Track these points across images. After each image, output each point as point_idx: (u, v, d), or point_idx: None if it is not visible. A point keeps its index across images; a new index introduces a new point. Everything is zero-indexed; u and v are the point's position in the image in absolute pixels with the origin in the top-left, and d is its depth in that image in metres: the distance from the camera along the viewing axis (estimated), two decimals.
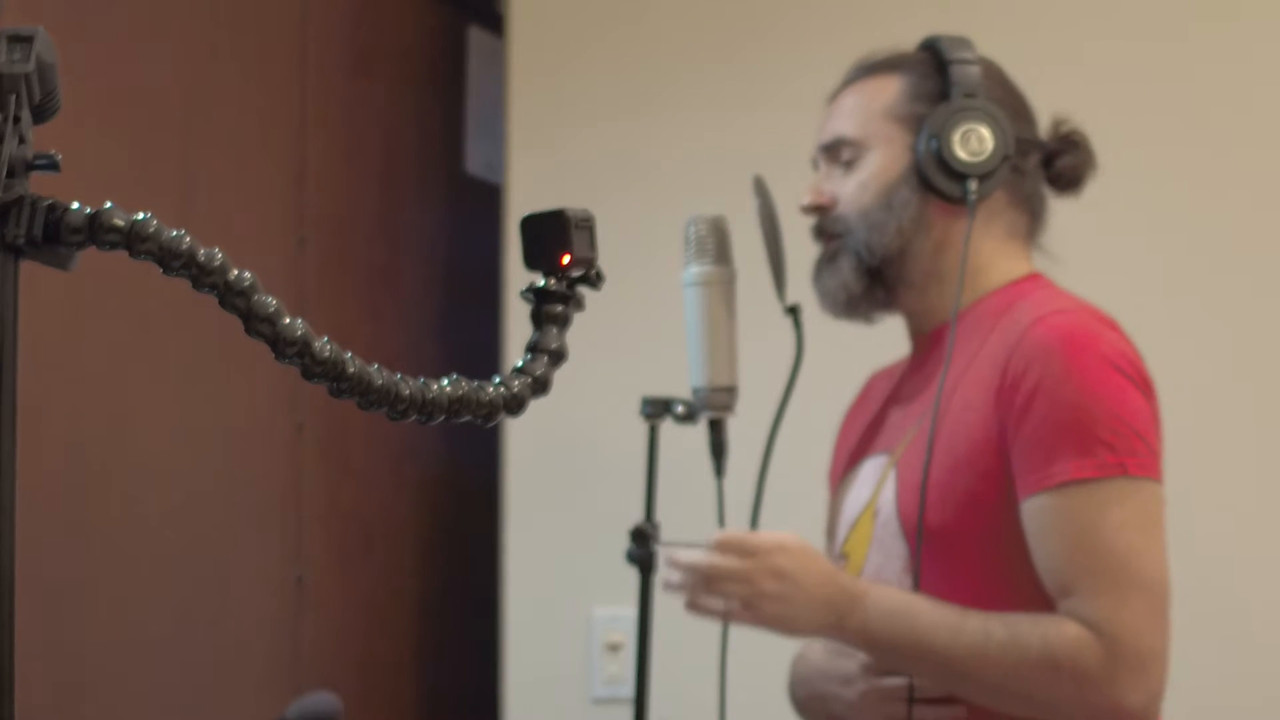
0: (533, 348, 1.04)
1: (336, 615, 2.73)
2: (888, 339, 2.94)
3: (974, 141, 1.91)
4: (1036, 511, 1.80)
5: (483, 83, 3.16)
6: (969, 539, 1.85)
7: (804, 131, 2.92)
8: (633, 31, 3.01)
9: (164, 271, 0.89)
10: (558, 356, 1.05)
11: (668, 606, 1.99)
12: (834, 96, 2.06)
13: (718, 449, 1.90)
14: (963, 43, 1.99)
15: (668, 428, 1.98)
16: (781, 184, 1.98)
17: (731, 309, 1.88)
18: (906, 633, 1.81)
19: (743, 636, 2.00)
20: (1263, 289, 2.81)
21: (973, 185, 1.91)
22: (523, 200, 2.93)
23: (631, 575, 1.95)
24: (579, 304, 1.06)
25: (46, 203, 0.88)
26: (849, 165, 1.98)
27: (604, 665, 2.90)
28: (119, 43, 2.23)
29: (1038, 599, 1.82)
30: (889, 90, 1.98)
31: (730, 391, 1.88)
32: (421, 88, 3.08)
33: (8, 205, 0.87)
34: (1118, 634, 1.76)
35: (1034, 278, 1.98)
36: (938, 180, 1.92)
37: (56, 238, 0.88)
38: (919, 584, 1.85)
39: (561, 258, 1.04)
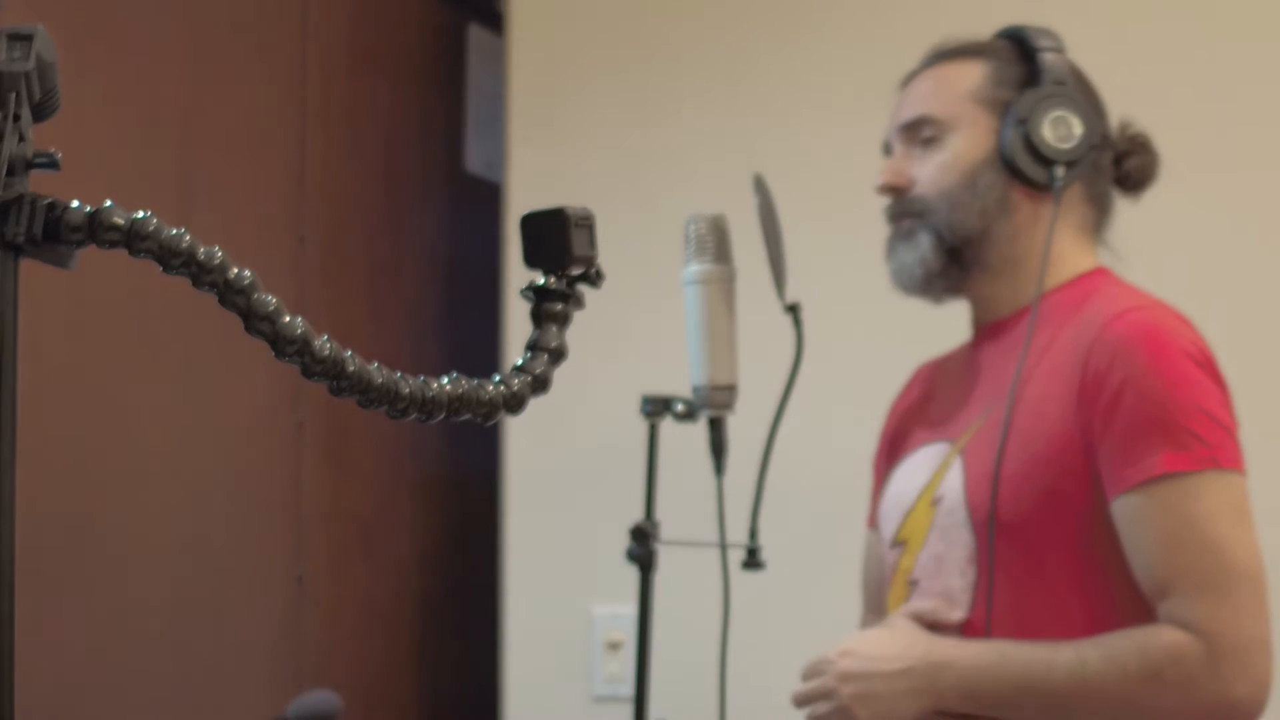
0: (532, 346, 1.04)
1: (337, 613, 2.73)
2: (887, 338, 2.94)
3: (1063, 129, 1.92)
4: (1130, 508, 1.80)
5: (483, 81, 3.16)
6: (1053, 536, 1.85)
7: (805, 130, 2.93)
8: (633, 30, 3.01)
9: (164, 270, 0.89)
10: (558, 355, 1.05)
11: (668, 605, 1.99)
12: (908, 81, 2.05)
13: (718, 447, 1.90)
14: (1049, 33, 2.00)
15: (668, 426, 1.98)
16: (781, 182, 1.98)
17: (731, 307, 1.88)
18: (1002, 681, 1.81)
19: (743, 635, 2.00)
20: None
21: (1059, 172, 1.92)
22: (522, 198, 2.93)
23: (632, 573, 1.95)
24: (579, 302, 1.06)
25: (46, 201, 0.88)
26: (927, 145, 1.98)
27: (604, 663, 2.91)
28: (119, 40, 2.23)
29: (1134, 597, 1.82)
30: (972, 74, 1.98)
31: (730, 390, 1.88)
32: (421, 86, 3.08)
33: (8, 203, 0.87)
34: (1218, 630, 1.76)
35: (1101, 272, 1.99)
36: (1024, 164, 1.93)
37: (56, 236, 0.88)
38: (990, 575, 1.85)
39: (561, 257, 1.04)
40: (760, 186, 1.94)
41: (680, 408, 1.95)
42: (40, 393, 2.01)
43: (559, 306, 1.05)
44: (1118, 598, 1.83)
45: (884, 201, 2.88)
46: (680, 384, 1.94)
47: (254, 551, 2.53)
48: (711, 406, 1.89)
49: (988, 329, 2.02)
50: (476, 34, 3.18)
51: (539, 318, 1.05)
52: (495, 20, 3.12)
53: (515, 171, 2.96)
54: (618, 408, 2.42)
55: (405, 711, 2.95)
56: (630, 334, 2.86)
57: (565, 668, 2.91)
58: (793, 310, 1.93)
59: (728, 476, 1.90)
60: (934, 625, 1.90)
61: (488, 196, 3.08)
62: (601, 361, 2.83)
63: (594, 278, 1.06)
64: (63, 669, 2.07)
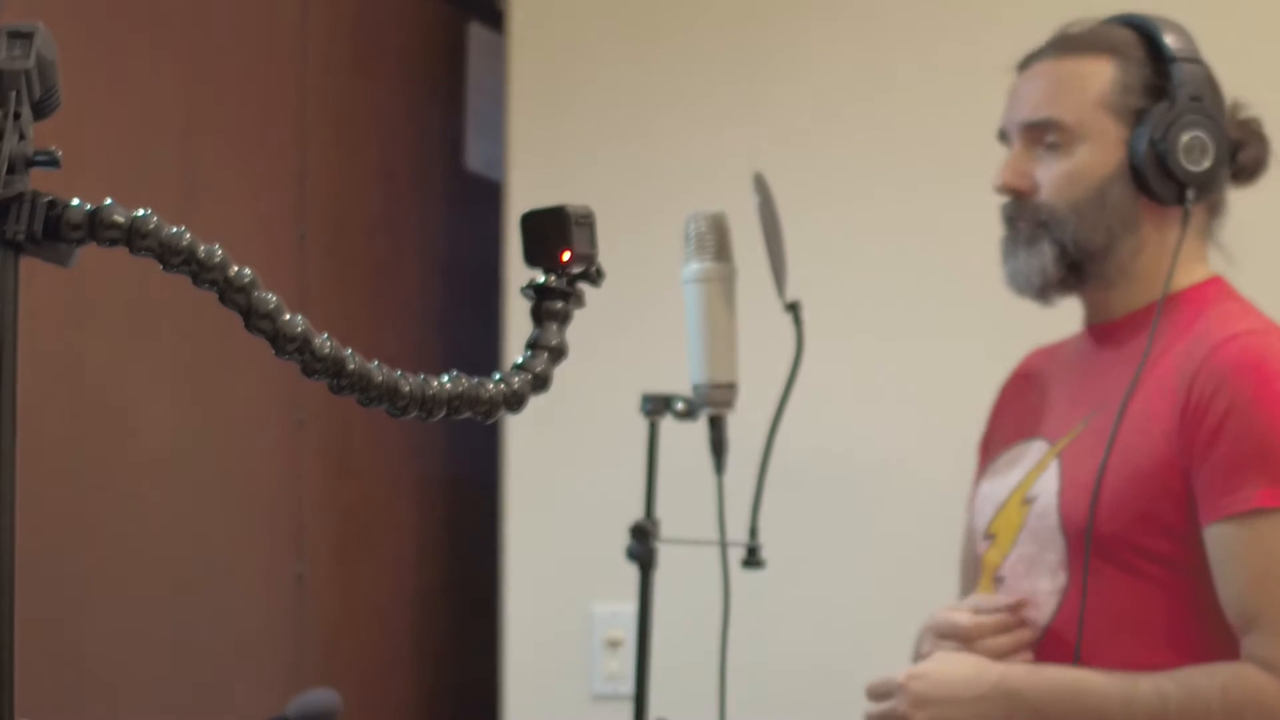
0: (533, 344, 1.04)
1: (337, 612, 2.73)
2: (888, 336, 2.93)
3: (1197, 150, 1.88)
4: (1221, 538, 1.78)
5: (483, 79, 3.16)
6: (1145, 552, 1.83)
7: (805, 128, 2.93)
8: (633, 28, 3.01)
9: (164, 268, 0.89)
10: (558, 353, 1.05)
11: (667, 603, 1.99)
12: (1029, 64, 1.98)
13: (718, 445, 1.90)
14: (1181, 32, 1.93)
15: (668, 424, 1.98)
16: (781, 180, 1.98)
17: (732, 306, 1.88)
18: (1078, 712, 1.79)
19: (743, 633, 2.00)
20: None
21: (1190, 194, 1.89)
22: (523, 197, 2.93)
23: (631, 572, 1.95)
24: (579, 301, 1.06)
25: (47, 199, 0.88)
26: (1052, 149, 1.93)
27: (604, 661, 2.90)
28: (120, 38, 2.23)
29: (1220, 622, 1.80)
30: (1102, 77, 1.92)
31: (730, 388, 1.88)
32: (422, 84, 3.08)
33: (8, 202, 0.87)
34: None
35: (1216, 283, 1.96)
36: (1155, 183, 1.88)
37: (57, 234, 0.88)
38: (1080, 583, 1.84)
39: (562, 254, 1.04)
40: (760, 185, 1.94)
41: (680, 406, 1.95)
42: (40, 390, 2.01)
43: (559, 305, 1.05)
44: (1204, 618, 1.81)
45: (882, 199, 2.89)
46: (680, 382, 1.94)
47: (254, 550, 2.53)
48: (712, 405, 1.89)
49: (1098, 330, 2.00)
50: (477, 32, 3.18)
51: (539, 316, 1.05)
52: (496, 18, 3.12)
53: (515, 169, 2.96)
54: (618, 406, 2.42)
55: (405, 709, 2.95)
56: (630, 332, 2.86)
57: (565, 666, 2.91)
58: (793, 309, 1.93)
59: (728, 475, 1.90)
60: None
61: (488, 194, 3.08)
62: (602, 360, 2.83)
63: (594, 276, 1.06)
64: (62, 667, 2.07)
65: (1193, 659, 1.80)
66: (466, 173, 3.15)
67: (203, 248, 0.90)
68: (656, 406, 1.97)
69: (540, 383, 1.03)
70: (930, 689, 1.84)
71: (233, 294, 0.91)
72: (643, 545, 1.93)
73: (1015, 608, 1.90)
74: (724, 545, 1.93)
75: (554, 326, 1.05)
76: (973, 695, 1.82)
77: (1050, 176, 1.93)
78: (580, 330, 1.10)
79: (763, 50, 2.94)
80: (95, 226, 0.88)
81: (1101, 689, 1.78)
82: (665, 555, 1.94)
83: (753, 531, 1.93)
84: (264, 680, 2.51)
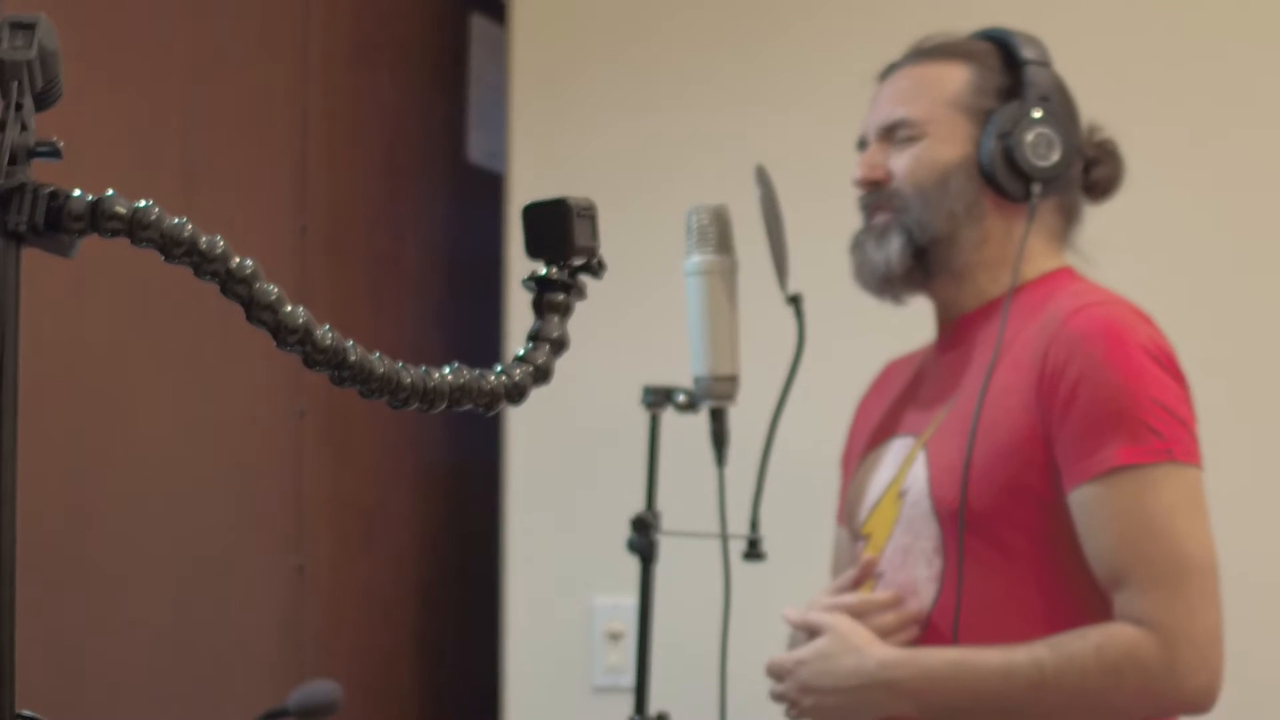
0: (534, 336, 1.05)
1: (337, 604, 2.73)
2: (889, 329, 2.94)
3: (1044, 147, 1.92)
4: (1086, 499, 1.82)
5: (485, 71, 3.16)
6: (1014, 526, 1.87)
7: (806, 122, 2.93)
8: (636, 20, 3.00)
9: (165, 259, 0.89)
10: (559, 345, 1.05)
11: (668, 596, 1.99)
12: (888, 75, 2.05)
13: (719, 438, 1.90)
14: (1035, 42, 2.00)
15: (669, 417, 1.98)
16: (783, 173, 1.98)
17: (733, 298, 1.88)
18: (958, 693, 1.84)
19: (743, 627, 2.00)
20: None
21: (1036, 189, 1.93)
22: (524, 189, 2.93)
23: (632, 564, 1.95)
24: (580, 293, 1.06)
25: (48, 190, 0.88)
26: (903, 143, 1.98)
27: (605, 654, 2.91)
28: (121, 29, 2.23)
29: (1092, 587, 1.84)
30: (955, 79, 1.98)
31: (732, 380, 1.88)
32: (424, 76, 3.08)
33: (10, 192, 0.87)
34: (1173, 624, 1.78)
35: (1067, 271, 2.00)
36: (1001, 177, 1.93)
37: (58, 225, 0.88)
38: (956, 564, 1.87)
39: (563, 247, 1.04)
40: (762, 177, 1.94)
41: (682, 398, 1.95)
42: (41, 382, 2.01)
43: (561, 297, 1.05)
44: (1076, 587, 1.85)
45: None
46: (682, 375, 1.94)
47: (255, 542, 2.53)
48: (713, 397, 1.89)
49: (951, 325, 2.04)
50: (479, 24, 3.17)
51: (541, 308, 1.05)
52: (498, 10, 3.12)
53: (517, 162, 2.96)
54: (619, 398, 2.42)
55: (406, 701, 2.95)
56: (632, 325, 2.86)
57: (566, 658, 2.91)
58: (794, 301, 1.94)
59: (729, 467, 1.90)
60: (863, 614, 1.93)
61: (490, 187, 3.08)
62: (603, 352, 2.82)
63: (596, 268, 1.06)
64: (63, 660, 2.07)
65: None
66: (468, 165, 3.15)
67: (204, 239, 0.90)
68: (657, 399, 1.97)
69: (541, 375, 1.03)
70: (815, 677, 1.90)
71: (234, 285, 0.91)
72: (644, 538, 1.93)
73: (865, 570, 1.96)
74: (725, 538, 1.93)
75: (555, 318, 1.05)
76: (855, 684, 1.88)
77: (900, 165, 1.98)
78: (581, 322, 1.10)
79: (765, 43, 2.94)
80: (97, 217, 0.88)
81: (978, 666, 1.82)
82: (666, 548, 1.94)
83: (754, 524, 1.93)
84: (264, 672, 2.51)
